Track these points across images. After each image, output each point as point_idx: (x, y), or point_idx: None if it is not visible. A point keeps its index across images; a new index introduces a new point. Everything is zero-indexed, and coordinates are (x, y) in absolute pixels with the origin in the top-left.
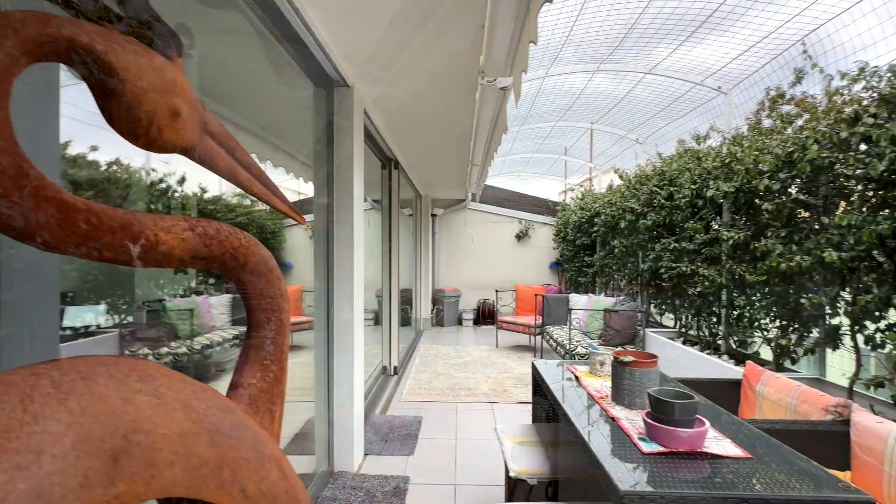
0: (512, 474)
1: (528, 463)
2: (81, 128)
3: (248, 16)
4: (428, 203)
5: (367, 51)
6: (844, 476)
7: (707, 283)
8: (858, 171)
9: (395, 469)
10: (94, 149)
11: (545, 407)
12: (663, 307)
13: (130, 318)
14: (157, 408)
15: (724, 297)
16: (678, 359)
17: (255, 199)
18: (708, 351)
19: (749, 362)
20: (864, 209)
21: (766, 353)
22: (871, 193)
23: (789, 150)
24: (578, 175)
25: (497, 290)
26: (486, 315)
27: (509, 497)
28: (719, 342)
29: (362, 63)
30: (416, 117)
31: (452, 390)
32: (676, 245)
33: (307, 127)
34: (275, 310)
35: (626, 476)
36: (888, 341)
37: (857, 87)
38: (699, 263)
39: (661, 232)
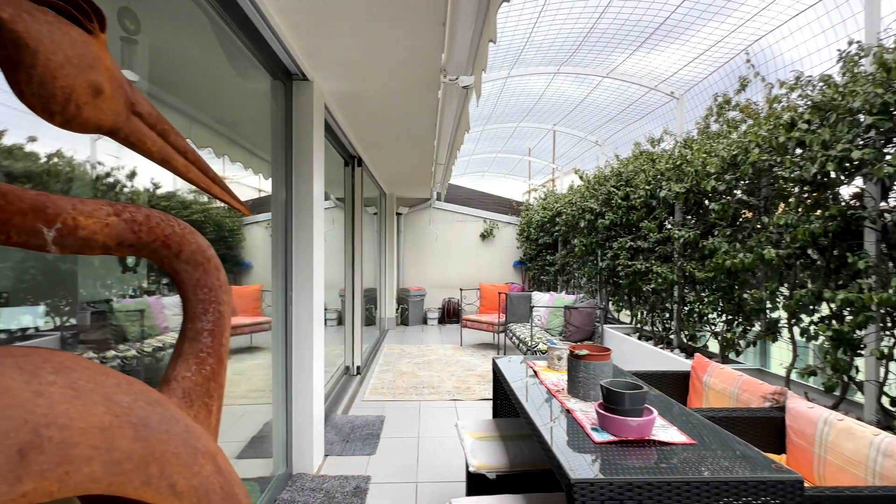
0: (472, 469)
1: (487, 457)
2: (18, 116)
3: (199, 1)
4: (393, 202)
5: (326, 44)
6: (780, 458)
7: (660, 280)
8: (794, 174)
9: (357, 469)
10: (32, 139)
11: (505, 402)
12: (620, 304)
13: (74, 321)
14: (73, 400)
15: (675, 294)
16: (633, 353)
17: (194, 186)
18: (661, 345)
19: (697, 355)
20: (799, 209)
21: (715, 347)
22: (805, 195)
23: (734, 153)
24: (542, 175)
25: (462, 289)
26: (451, 314)
27: (469, 492)
28: (672, 337)
29: (322, 56)
30: (379, 114)
31: (416, 389)
32: (632, 244)
33: (265, 121)
34: (213, 301)
35: (578, 465)
36: (820, 333)
37: (794, 94)
38: (653, 261)
39: (619, 231)
